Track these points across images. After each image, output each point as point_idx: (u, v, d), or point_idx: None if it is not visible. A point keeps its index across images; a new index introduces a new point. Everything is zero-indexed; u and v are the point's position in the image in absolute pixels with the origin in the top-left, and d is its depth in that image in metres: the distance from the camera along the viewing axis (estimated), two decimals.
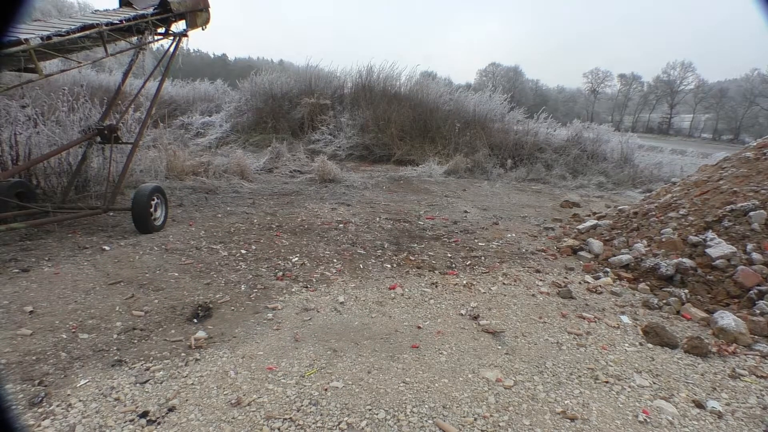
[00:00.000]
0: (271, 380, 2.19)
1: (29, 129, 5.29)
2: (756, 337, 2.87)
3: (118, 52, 4.73)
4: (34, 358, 2.24)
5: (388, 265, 4.03)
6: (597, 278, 3.92)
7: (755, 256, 3.49)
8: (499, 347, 2.67)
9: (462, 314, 3.10)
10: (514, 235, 5.28)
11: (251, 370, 2.26)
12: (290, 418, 1.92)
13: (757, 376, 2.44)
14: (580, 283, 3.85)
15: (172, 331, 2.64)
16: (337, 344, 2.58)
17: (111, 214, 4.86)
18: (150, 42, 4.84)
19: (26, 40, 3.17)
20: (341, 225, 5.23)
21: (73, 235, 4.23)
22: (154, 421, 1.85)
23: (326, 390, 2.13)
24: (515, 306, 3.29)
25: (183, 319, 2.81)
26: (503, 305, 3.29)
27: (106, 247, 3.92)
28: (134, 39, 4.73)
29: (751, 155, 4.69)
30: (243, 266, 3.77)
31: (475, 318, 3.04)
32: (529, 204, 7.32)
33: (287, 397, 2.06)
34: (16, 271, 3.29)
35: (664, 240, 4.06)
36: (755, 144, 5.04)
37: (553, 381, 2.32)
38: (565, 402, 2.14)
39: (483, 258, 4.37)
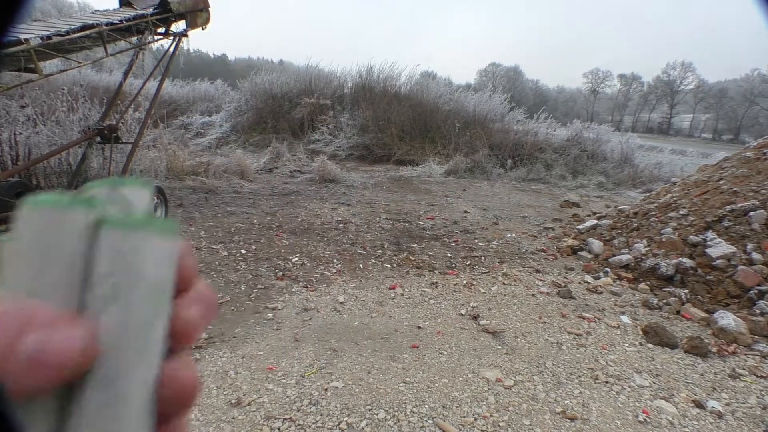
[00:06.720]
0: (271, 380, 2.19)
1: (29, 129, 5.29)
2: (756, 337, 2.87)
3: (118, 52, 4.73)
4: None
5: (388, 265, 4.03)
6: (597, 278, 3.92)
7: (755, 256, 3.49)
8: (499, 347, 2.67)
9: (462, 314, 3.10)
10: (514, 235, 5.28)
11: (251, 370, 2.26)
12: (290, 418, 1.92)
13: (757, 376, 2.44)
14: (580, 283, 3.85)
15: None
16: (337, 344, 2.58)
17: None
18: (150, 42, 4.84)
19: (26, 40, 3.17)
20: (341, 225, 5.22)
21: None
22: None
23: (326, 390, 2.13)
24: (515, 306, 3.29)
25: None
26: (503, 305, 3.29)
27: None
28: (134, 39, 4.73)
29: (751, 155, 4.70)
30: (243, 266, 3.77)
31: (475, 318, 3.04)
32: (529, 204, 7.32)
33: (287, 397, 2.06)
34: None
35: (664, 240, 4.07)
36: (755, 144, 5.05)
37: (553, 381, 2.32)
38: (565, 402, 2.15)
39: (483, 258, 4.37)
